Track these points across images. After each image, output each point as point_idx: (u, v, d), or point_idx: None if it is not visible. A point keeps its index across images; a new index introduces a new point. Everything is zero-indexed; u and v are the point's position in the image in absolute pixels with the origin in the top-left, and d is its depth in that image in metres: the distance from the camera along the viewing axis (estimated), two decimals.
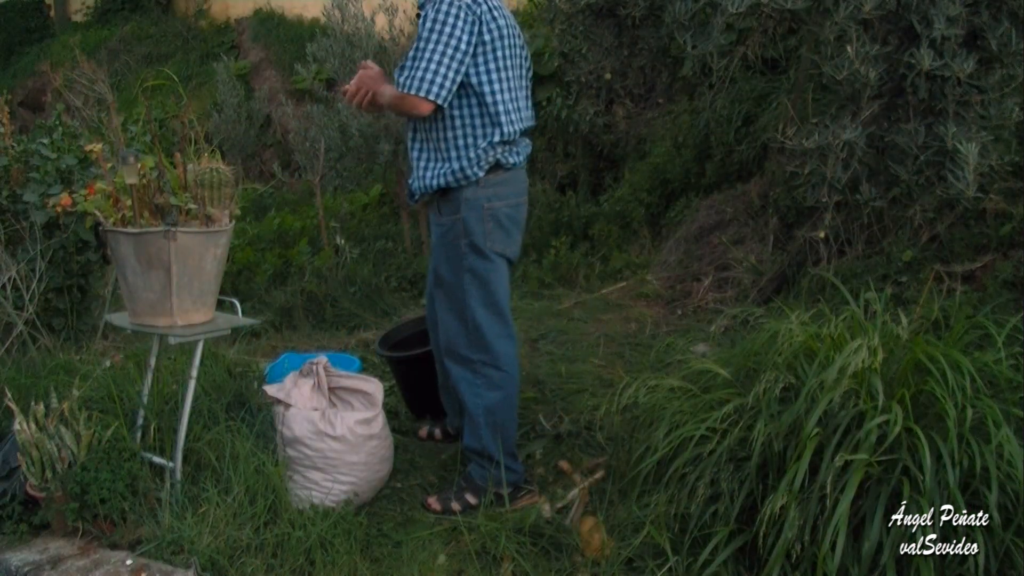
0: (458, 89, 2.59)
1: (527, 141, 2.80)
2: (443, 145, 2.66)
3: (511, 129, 2.65)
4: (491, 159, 2.64)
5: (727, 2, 3.38)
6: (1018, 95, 3.32)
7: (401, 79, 2.57)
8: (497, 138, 2.63)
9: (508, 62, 2.64)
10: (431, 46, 2.52)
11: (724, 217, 4.77)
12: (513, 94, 2.67)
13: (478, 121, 2.63)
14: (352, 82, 2.72)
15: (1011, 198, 3.42)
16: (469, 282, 2.68)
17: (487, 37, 2.58)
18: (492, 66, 2.60)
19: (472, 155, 2.62)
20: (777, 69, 5.19)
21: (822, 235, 3.77)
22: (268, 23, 11.29)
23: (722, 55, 3.63)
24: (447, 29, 2.52)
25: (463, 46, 2.53)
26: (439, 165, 2.68)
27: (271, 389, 2.74)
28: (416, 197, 2.80)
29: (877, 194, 3.56)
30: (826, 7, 3.43)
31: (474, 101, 2.62)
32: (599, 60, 4.74)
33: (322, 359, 2.81)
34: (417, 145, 2.76)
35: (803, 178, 3.65)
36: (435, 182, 2.68)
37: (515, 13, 8.06)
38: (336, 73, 6.16)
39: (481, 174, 2.63)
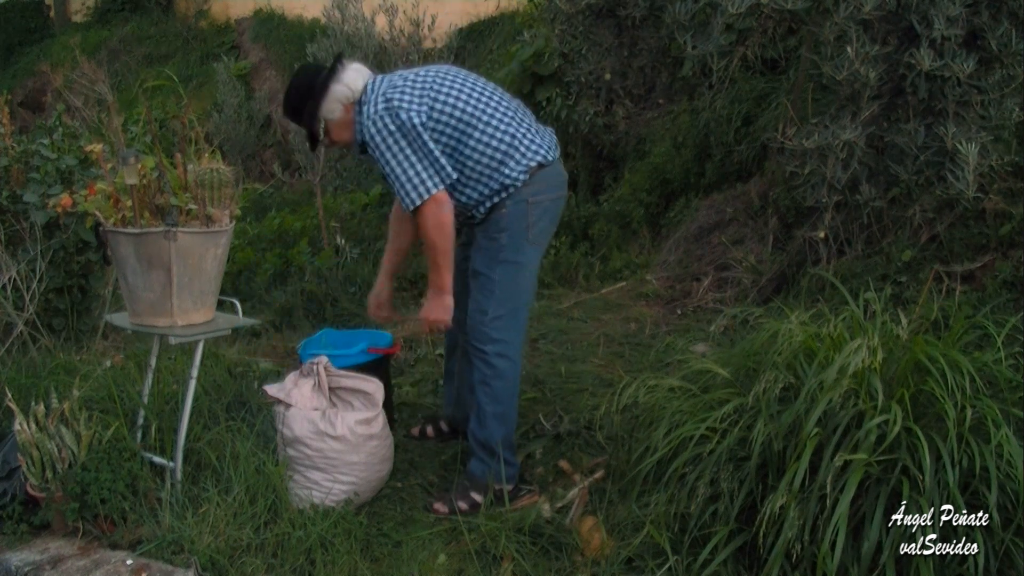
0: (462, 158, 2.66)
1: (549, 133, 2.83)
2: (486, 190, 2.71)
3: (528, 144, 2.70)
4: (532, 163, 2.69)
5: (727, 2, 3.38)
6: (1018, 95, 3.32)
7: (403, 203, 2.63)
8: (519, 157, 2.68)
9: (468, 108, 2.68)
10: (395, 159, 2.61)
11: (724, 217, 4.77)
12: (507, 119, 2.72)
13: (497, 155, 2.68)
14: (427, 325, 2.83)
15: (1011, 198, 3.42)
16: (502, 273, 2.72)
17: (423, 110, 2.63)
18: (465, 122, 2.66)
19: (512, 173, 2.68)
20: (777, 69, 5.19)
21: (822, 235, 3.77)
22: (268, 23, 11.31)
23: (722, 55, 3.63)
24: (392, 138, 2.60)
25: (419, 137, 2.60)
26: (490, 197, 2.73)
27: (271, 389, 2.74)
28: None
29: (877, 194, 3.56)
30: (826, 7, 3.43)
31: (476, 154, 2.67)
32: (599, 60, 4.74)
33: (322, 358, 2.81)
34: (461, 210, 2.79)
35: (803, 178, 3.65)
36: (485, 207, 2.74)
37: (515, 13, 8.07)
38: None
39: (526, 177, 2.69)
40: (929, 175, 3.40)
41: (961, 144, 3.19)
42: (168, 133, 8.20)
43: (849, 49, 3.33)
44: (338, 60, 2.77)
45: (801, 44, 4.61)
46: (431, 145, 2.62)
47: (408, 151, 2.61)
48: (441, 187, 2.61)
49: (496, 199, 2.70)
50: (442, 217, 2.63)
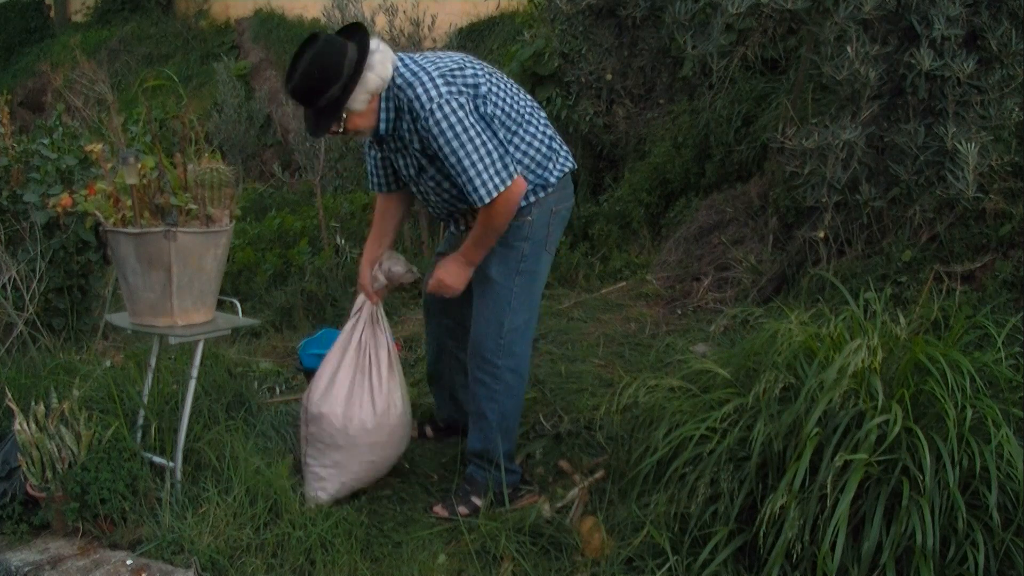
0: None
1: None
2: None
3: (557, 144, 2.68)
4: (567, 168, 2.66)
5: (727, 2, 3.39)
6: (1018, 95, 3.32)
7: (477, 194, 2.43)
8: (557, 160, 2.64)
9: (514, 103, 2.59)
10: (471, 143, 2.39)
11: (724, 217, 4.77)
12: (535, 117, 2.66)
13: (539, 156, 2.62)
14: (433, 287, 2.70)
15: (1011, 198, 3.42)
16: (520, 284, 2.65)
17: (487, 94, 2.49)
18: (510, 111, 2.55)
19: (550, 177, 2.63)
20: (777, 69, 5.19)
21: (822, 235, 3.77)
22: (268, 23, 11.31)
23: (722, 55, 3.64)
24: (470, 119, 2.40)
25: (492, 122, 2.45)
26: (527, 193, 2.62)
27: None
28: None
29: (877, 194, 3.56)
30: (826, 7, 3.44)
31: (519, 153, 2.57)
32: (599, 60, 4.75)
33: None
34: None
35: (803, 178, 3.65)
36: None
37: (515, 13, 8.06)
38: None
39: (558, 182, 2.64)
40: (929, 175, 3.41)
41: (961, 144, 3.19)
42: (168, 133, 8.20)
43: (849, 49, 3.33)
44: (363, 36, 2.42)
45: (801, 44, 4.61)
46: (500, 133, 2.43)
47: (485, 135, 2.38)
48: (519, 171, 2.45)
49: (523, 202, 2.57)
50: (515, 203, 2.48)
